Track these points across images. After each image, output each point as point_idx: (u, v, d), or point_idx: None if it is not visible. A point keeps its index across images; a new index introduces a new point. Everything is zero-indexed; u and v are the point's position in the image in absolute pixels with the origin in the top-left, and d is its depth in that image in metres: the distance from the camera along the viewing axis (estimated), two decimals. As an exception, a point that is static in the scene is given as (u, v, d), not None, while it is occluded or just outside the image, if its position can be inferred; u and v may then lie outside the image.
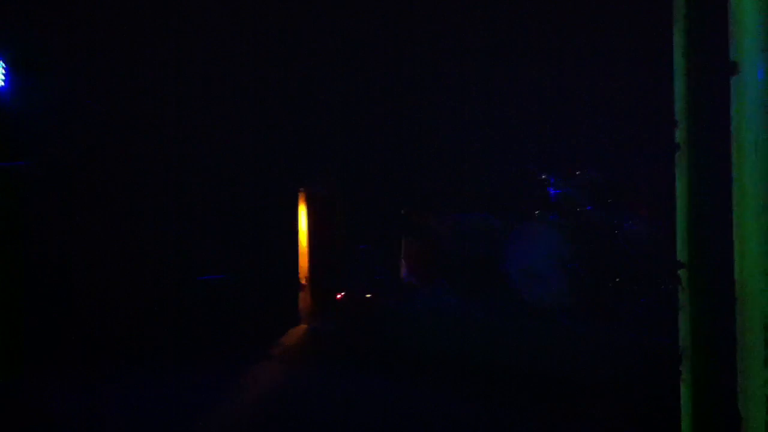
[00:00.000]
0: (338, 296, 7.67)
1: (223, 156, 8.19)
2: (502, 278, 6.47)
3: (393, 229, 8.54)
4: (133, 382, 6.33)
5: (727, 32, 1.85)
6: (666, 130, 2.17)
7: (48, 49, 7.26)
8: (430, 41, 8.51)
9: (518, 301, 6.30)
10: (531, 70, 7.78)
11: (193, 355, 7.19)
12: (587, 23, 7.25)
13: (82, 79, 7.38)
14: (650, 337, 5.07)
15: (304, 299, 8.49)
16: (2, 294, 6.62)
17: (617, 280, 6.10)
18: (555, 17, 7.59)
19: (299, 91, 8.58)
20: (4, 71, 6.64)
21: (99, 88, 7.51)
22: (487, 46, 8.07)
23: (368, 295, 7.63)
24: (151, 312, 7.53)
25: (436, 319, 6.78)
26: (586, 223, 6.40)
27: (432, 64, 8.59)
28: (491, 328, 6.26)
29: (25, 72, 7.05)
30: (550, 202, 6.60)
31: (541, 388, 5.43)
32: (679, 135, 2.01)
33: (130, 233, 7.58)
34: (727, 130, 1.84)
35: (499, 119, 8.13)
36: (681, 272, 1.93)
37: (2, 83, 6.61)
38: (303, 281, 8.53)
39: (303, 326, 8.25)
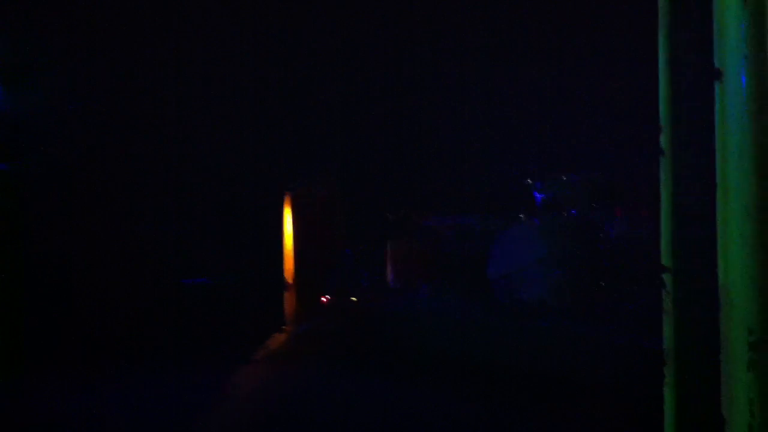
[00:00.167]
0: (324, 300, 7.67)
1: (208, 158, 8.17)
2: (485, 281, 6.49)
3: (379, 232, 8.55)
4: (112, 386, 6.31)
5: (711, 39, 1.87)
6: (651, 134, 2.18)
7: (47, 48, 7.24)
8: (421, 44, 8.53)
9: (501, 304, 6.32)
10: (518, 74, 7.81)
11: (176, 359, 7.15)
12: (578, 26, 7.29)
13: (67, 79, 7.36)
14: (634, 340, 5.10)
15: (289, 302, 8.48)
16: (1, 293, 6.61)
17: (600, 282, 6.13)
18: (545, 21, 7.63)
19: (286, 94, 8.58)
20: None
21: (82, 88, 7.48)
22: (477, 50, 8.09)
23: (353, 299, 7.64)
24: (132, 316, 7.49)
25: (418, 321, 6.80)
26: (570, 226, 6.43)
27: (423, 67, 8.61)
28: (475, 330, 6.28)
29: (23, 72, 7.04)
30: (535, 205, 6.64)
31: (521, 389, 5.45)
32: (664, 140, 2.03)
33: (109, 235, 7.55)
34: (712, 136, 1.86)
35: (487, 123, 8.16)
36: (665, 276, 1.94)
37: None
38: (289, 284, 8.52)
39: (288, 329, 8.23)
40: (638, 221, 6.25)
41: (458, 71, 8.28)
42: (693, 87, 1.99)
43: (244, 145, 8.43)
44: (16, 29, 7.06)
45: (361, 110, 8.92)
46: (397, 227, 8.48)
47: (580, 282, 6.17)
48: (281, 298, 8.43)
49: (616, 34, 6.68)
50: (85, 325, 7.10)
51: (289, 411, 5.67)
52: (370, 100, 8.90)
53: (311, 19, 8.56)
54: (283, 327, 8.31)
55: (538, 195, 6.63)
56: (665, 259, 1.96)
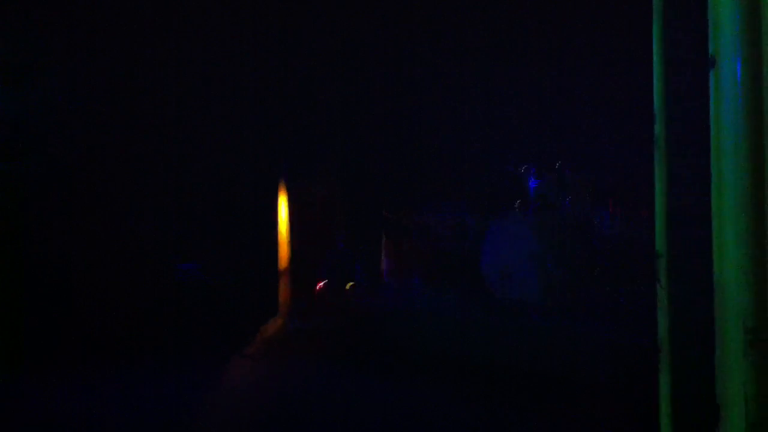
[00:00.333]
0: (317, 293, 7.67)
1: (204, 150, 8.15)
2: (479, 276, 6.48)
3: (374, 226, 8.54)
4: (108, 382, 6.31)
5: (705, 26, 1.85)
6: (648, 130, 2.17)
7: (47, 48, 7.21)
8: (419, 41, 8.52)
9: (494, 299, 6.32)
10: (515, 71, 7.81)
11: (171, 354, 7.14)
12: (577, 20, 7.29)
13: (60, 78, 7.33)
14: (630, 336, 5.10)
15: (283, 295, 8.47)
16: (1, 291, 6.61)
17: (595, 278, 6.13)
18: (544, 16, 7.62)
19: (282, 87, 8.56)
20: None
21: (82, 87, 7.46)
22: (473, 47, 8.09)
23: (347, 293, 7.63)
24: (129, 309, 7.48)
25: (411, 317, 6.80)
26: (563, 219, 6.43)
27: (421, 63, 8.60)
28: (469, 327, 6.27)
29: (24, 72, 7.02)
30: (529, 199, 6.63)
31: (516, 384, 5.45)
32: (658, 129, 2.01)
33: (106, 229, 7.53)
34: (706, 124, 1.85)
35: (483, 120, 8.15)
36: (659, 265, 1.93)
37: None
38: (283, 276, 8.51)
39: (280, 321, 8.22)
40: (633, 216, 6.24)
41: (456, 68, 8.27)
42: (686, 75, 1.98)
43: (240, 137, 8.41)
44: (16, 29, 7.04)
45: (358, 104, 8.91)
46: (392, 222, 8.47)
47: (574, 278, 6.17)
48: (275, 290, 8.42)
49: (616, 27, 6.68)
50: (83, 321, 7.09)
51: (281, 408, 5.66)
52: (366, 94, 8.89)
53: (310, 15, 8.55)
54: (277, 319, 8.31)
55: (533, 191, 6.62)
56: (659, 248, 1.95)
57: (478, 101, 8.13)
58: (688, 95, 1.95)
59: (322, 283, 7.62)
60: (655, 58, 2.05)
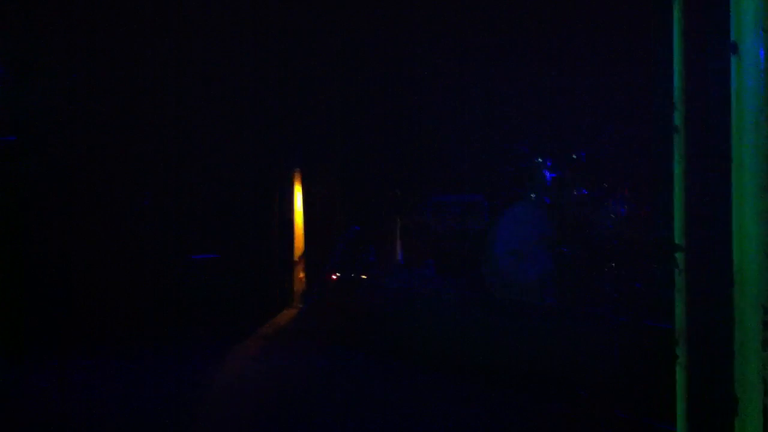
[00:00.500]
0: (333, 277, 7.67)
1: (218, 135, 8.16)
2: (492, 259, 6.47)
3: (388, 210, 8.53)
4: (118, 363, 6.40)
5: (727, 11, 1.83)
6: (664, 113, 2.14)
7: (47, 48, 7.21)
8: (422, 21, 8.47)
9: (507, 282, 6.30)
10: (529, 52, 7.75)
11: (183, 336, 7.22)
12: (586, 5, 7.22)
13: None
14: (641, 321, 5.07)
15: (298, 279, 8.49)
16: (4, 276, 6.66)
17: (612, 264, 6.10)
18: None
19: (298, 73, 8.55)
20: None
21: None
22: (485, 29, 8.03)
23: (363, 276, 7.63)
24: (141, 291, 7.53)
25: (422, 298, 6.79)
26: (578, 206, 6.39)
27: (433, 45, 8.55)
28: (478, 308, 6.27)
29: (24, 71, 7.03)
30: (545, 185, 6.59)
31: (527, 368, 5.46)
32: (678, 117, 1.99)
33: (119, 212, 7.57)
34: (726, 112, 1.83)
35: (499, 101, 8.11)
36: (678, 254, 1.91)
37: None
38: (298, 261, 8.53)
39: (297, 306, 8.26)
40: (647, 200, 6.20)
41: (468, 51, 8.22)
42: (708, 61, 1.95)
43: (255, 124, 8.41)
44: (16, 29, 7.04)
45: (371, 92, 8.88)
46: (406, 205, 8.45)
47: (587, 261, 6.14)
48: (291, 275, 8.45)
49: (634, 11, 6.61)
50: (93, 307, 7.15)
51: (287, 389, 5.70)
52: (379, 83, 8.86)
53: (321, 9, 8.52)
54: (292, 303, 8.34)
55: (547, 173, 6.58)
56: (678, 238, 1.93)
57: (498, 81, 8.08)
58: (709, 82, 1.92)
59: (336, 273, 7.63)
60: (675, 44, 2.02)
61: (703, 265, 1.86)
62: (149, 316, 7.39)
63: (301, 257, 8.54)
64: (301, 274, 8.50)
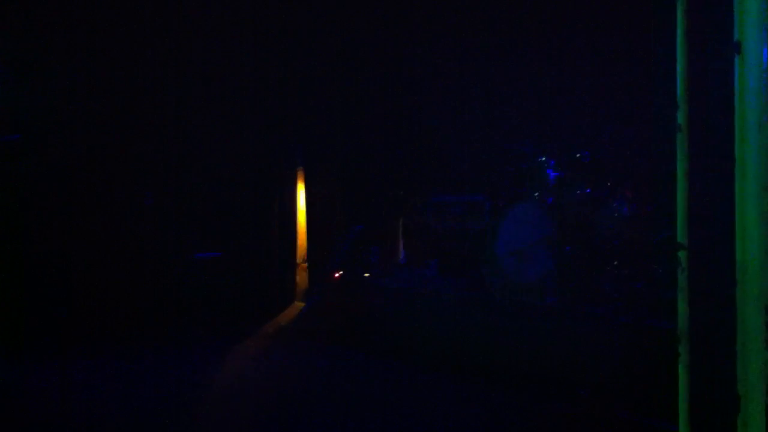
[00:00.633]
0: (335, 276, 7.67)
1: (220, 134, 8.16)
2: (493, 259, 6.46)
3: (390, 210, 8.53)
4: (118, 363, 6.42)
5: (730, 11, 1.83)
6: (667, 113, 2.14)
7: (48, 48, 7.21)
8: (424, 21, 8.47)
9: (508, 282, 6.30)
10: (532, 51, 7.75)
11: (184, 336, 7.23)
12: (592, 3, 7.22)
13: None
14: (643, 321, 5.08)
15: (301, 278, 8.50)
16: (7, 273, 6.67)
17: (615, 263, 6.10)
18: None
19: (301, 72, 8.55)
20: None
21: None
22: (489, 27, 8.03)
23: (365, 275, 7.64)
24: (142, 291, 7.54)
25: (424, 298, 6.80)
26: (580, 206, 6.39)
27: (436, 44, 8.55)
28: (480, 307, 6.28)
29: (24, 71, 7.04)
30: (547, 185, 6.59)
31: (528, 368, 5.46)
32: (681, 116, 1.99)
33: (119, 211, 7.56)
34: (730, 112, 1.83)
35: (496, 101, 8.10)
36: (681, 254, 1.91)
37: None
38: (301, 260, 8.53)
39: (299, 305, 8.26)
40: (650, 200, 6.19)
41: (471, 52, 8.22)
42: (711, 61, 1.95)
43: (258, 123, 8.41)
44: (16, 29, 7.04)
45: (374, 92, 8.88)
46: (408, 204, 8.45)
47: (588, 261, 6.14)
48: (293, 273, 8.45)
49: (639, 9, 6.61)
50: (94, 307, 7.15)
51: (287, 389, 5.71)
52: (381, 82, 8.86)
53: (324, 9, 8.52)
54: (294, 302, 8.34)
55: (551, 173, 6.58)
56: (680, 237, 1.93)
57: (500, 81, 8.08)
58: (712, 82, 1.92)
59: (338, 273, 7.63)
60: (678, 43, 2.02)
61: (706, 264, 1.86)
62: (150, 315, 7.39)
63: (303, 256, 8.55)
64: (304, 273, 8.50)
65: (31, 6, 7.12)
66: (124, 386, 5.71)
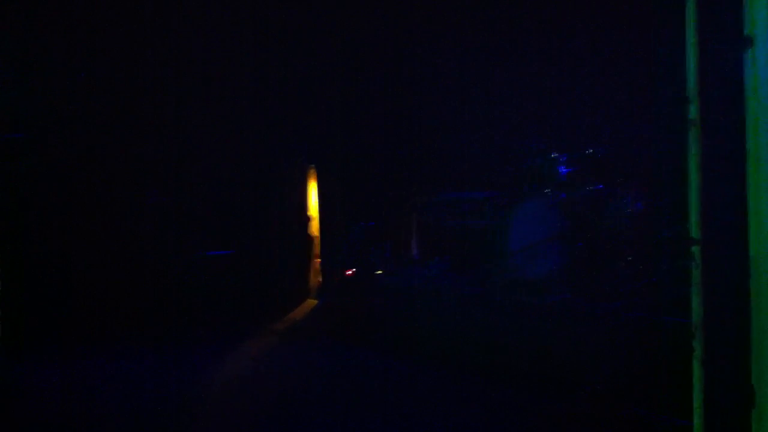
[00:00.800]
0: (348, 273, 7.69)
1: (233, 134, 8.18)
2: (506, 254, 6.46)
3: (402, 206, 8.53)
4: (132, 356, 6.42)
5: (740, 6, 1.83)
6: (677, 109, 2.14)
7: (48, 48, 7.24)
8: (437, 20, 8.45)
9: (520, 277, 6.30)
10: (542, 47, 7.73)
11: (198, 331, 7.24)
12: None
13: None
14: (655, 316, 5.06)
15: (314, 275, 8.52)
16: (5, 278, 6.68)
17: (629, 258, 6.08)
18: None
19: (311, 73, 8.56)
20: None
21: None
22: (490, 25, 8.01)
23: (378, 272, 7.64)
24: (158, 287, 7.56)
25: (436, 294, 6.80)
26: (593, 202, 6.38)
27: (444, 42, 8.53)
28: (494, 304, 6.27)
29: (24, 71, 7.06)
30: (559, 181, 6.58)
31: (541, 364, 5.45)
32: (693, 111, 1.99)
33: (135, 207, 7.59)
34: (742, 106, 1.82)
35: (509, 99, 8.09)
36: (694, 249, 1.91)
37: None
38: (314, 257, 8.55)
39: (312, 302, 8.28)
40: (661, 195, 6.17)
41: (483, 50, 8.20)
42: (721, 55, 1.95)
43: (270, 122, 8.42)
44: (16, 29, 7.06)
45: (387, 85, 8.87)
46: (421, 201, 8.45)
47: (601, 257, 6.13)
48: (307, 271, 8.47)
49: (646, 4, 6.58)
50: (97, 306, 7.17)
51: (288, 388, 5.71)
52: (395, 76, 8.85)
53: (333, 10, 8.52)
54: (307, 298, 8.36)
55: (563, 169, 6.56)
56: (694, 232, 1.93)
57: (512, 76, 8.06)
58: (723, 76, 1.92)
59: (350, 269, 7.64)
60: (688, 38, 2.02)
61: (720, 258, 1.86)
62: (153, 314, 7.40)
63: (315, 253, 8.56)
64: (316, 270, 8.52)
65: (31, 6, 7.14)
66: (124, 386, 5.71)
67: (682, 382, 2.03)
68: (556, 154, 6.65)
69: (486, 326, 6.17)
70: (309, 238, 8.56)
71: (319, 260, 8.52)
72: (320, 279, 8.46)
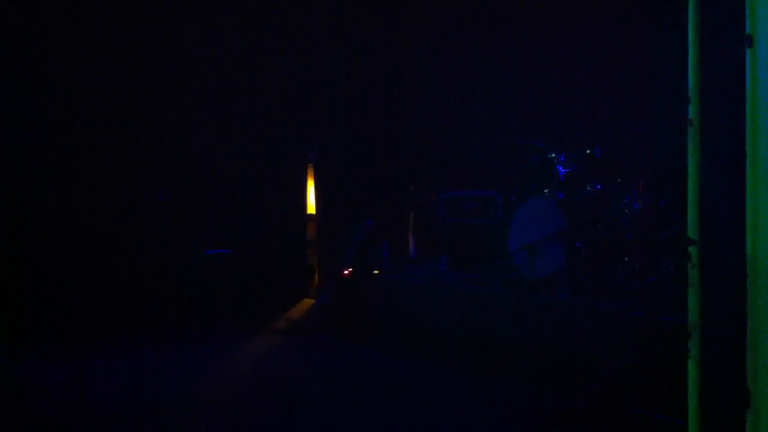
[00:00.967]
0: (346, 272, 7.68)
1: (232, 131, 8.18)
2: (505, 252, 6.46)
3: (401, 205, 8.53)
4: (134, 356, 6.44)
5: (742, 4, 1.82)
6: (678, 108, 2.13)
7: (48, 48, 7.23)
8: (439, 16, 8.45)
9: (520, 276, 6.29)
10: (541, 46, 7.73)
11: (198, 330, 7.25)
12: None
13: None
14: (654, 316, 5.05)
15: (314, 274, 8.52)
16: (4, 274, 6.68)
17: (626, 258, 6.08)
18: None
19: (311, 69, 8.56)
20: None
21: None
22: (485, 21, 8.02)
23: (375, 272, 7.64)
24: (157, 286, 7.56)
25: (436, 293, 6.80)
26: (593, 201, 6.38)
27: (444, 39, 8.54)
28: (493, 303, 6.27)
29: (24, 71, 7.06)
30: (559, 180, 6.58)
31: (541, 363, 5.45)
32: (692, 110, 1.98)
33: (133, 205, 7.59)
34: (742, 106, 1.81)
35: (510, 96, 8.09)
36: (691, 249, 1.90)
37: None
38: (312, 256, 8.55)
39: (310, 301, 8.28)
40: (660, 195, 6.17)
41: (486, 47, 8.20)
42: (723, 54, 1.94)
43: (266, 120, 8.42)
44: (17, 29, 7.06)
45: (386, 83, 8.87)
46: (420, 200, 8.45)
47: (601, 256, 6.13)
48: (305, 270, 8.47)
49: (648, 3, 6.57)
50: (98, 305, 7.18)
51: (288, 387, 5.71)
52: (394, 73, 8.85)
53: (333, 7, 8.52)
54: (306, 297, 8.36)
55: (561, 169, 6.56)
56: (691, 232, 1.92)
57: (509, 76, 8.06)
58: (724, 75, 1.91)
59: (349, 269, 7.64)
60: (689, 37, 2.01)
61: (717, 259, 1.85)
62: (154, 313, 7.41)
63: (314, 252, 8.56)
64: (315, 270, 8.52)
65: (31, 6, 7.13)
66: (123, 385, 5.71)
67: (681, 383, 2.01)
68: (557, 153, 6.64)
69: (485, 325, 6.17)
70: (308, 237, 8.56)
71: (318, 259, 8.52)
72: (319, 278, 8.46)
